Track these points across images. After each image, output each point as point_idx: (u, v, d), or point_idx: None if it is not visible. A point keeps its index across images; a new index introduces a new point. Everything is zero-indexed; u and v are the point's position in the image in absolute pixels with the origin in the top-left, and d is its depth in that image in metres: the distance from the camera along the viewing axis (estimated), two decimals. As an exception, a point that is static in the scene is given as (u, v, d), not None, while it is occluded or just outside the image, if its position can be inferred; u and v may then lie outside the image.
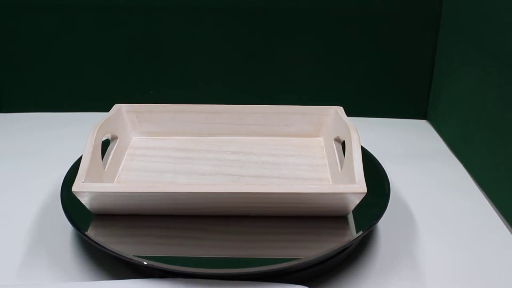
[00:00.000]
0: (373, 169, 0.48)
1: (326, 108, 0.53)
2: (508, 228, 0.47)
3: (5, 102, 0.68)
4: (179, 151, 0.52)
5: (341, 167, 0.46)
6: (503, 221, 0.48)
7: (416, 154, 0.60)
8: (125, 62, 0.66)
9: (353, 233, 0.40)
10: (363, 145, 0.49)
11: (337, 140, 0.51)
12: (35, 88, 0.67)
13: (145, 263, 0.37)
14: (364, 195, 0.40)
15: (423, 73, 0.66)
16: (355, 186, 0.40)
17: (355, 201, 0.41)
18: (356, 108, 0.67)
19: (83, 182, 0.40)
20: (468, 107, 0.57)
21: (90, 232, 0.40)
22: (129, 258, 0.37)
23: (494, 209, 0.50)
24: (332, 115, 0.52)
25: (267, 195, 0.40)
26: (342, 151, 0.49)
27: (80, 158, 0.49)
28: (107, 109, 0.52)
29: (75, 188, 0.40)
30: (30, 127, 0.64)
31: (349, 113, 0.51)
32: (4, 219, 0.47)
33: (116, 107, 0.52)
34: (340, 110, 0.52)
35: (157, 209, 0.42)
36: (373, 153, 0.51)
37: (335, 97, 0.67)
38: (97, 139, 0.45)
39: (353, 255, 0.43)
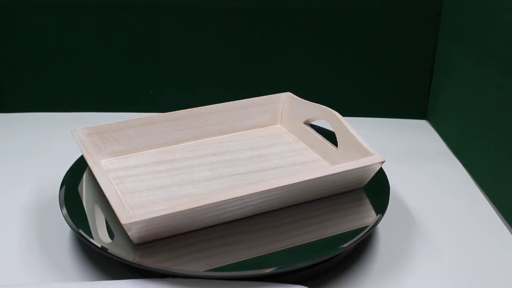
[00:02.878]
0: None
1: (277, 95, 0.55)
2: (508, 228, 0.47)
3: (5, 102, 0.68)
4: (162, 164, 0.49)
5: (335, 145, 0.49)
6: (503, 221, 0.48)
7: (416, 154, 0.59)
8: (125, 62, 0.66)
9: (353, 233, 0.40)
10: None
11: (306, 123, 0.52)
12: (35, 88, 0.67)
13: (143, 264, 0.37)
14: (383, 163, 0.44)
15: (423, 73, 0.66)
16: (375, 157, 0.44)
17: (375, 171, 0.44)
18: (356, 108, 0.67)
19: (129, 213, 0.37)
20: (468, 107, 0.57)
21: (88, 233, 0.40)
22: (128, 260, 0.37)
23: (494, 209, 0.50)
24: (285, 101, 0.55)
25: (312, 181, 0.41)
26: (318, 132, 0.51)
27: (79, 159, 0.49)
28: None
29: (124, 220, 0.36)
30: (30, 127, 0.64)
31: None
32: (3, 219, 0.47)
33: (78, 131, 0.48)
34: (291, 95, 0.55)
35: (206, 223, 0.40)
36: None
37: (335, 97, 0.67)
38: (100, 166, 0.43)
39: (353, 255, 0.43)
